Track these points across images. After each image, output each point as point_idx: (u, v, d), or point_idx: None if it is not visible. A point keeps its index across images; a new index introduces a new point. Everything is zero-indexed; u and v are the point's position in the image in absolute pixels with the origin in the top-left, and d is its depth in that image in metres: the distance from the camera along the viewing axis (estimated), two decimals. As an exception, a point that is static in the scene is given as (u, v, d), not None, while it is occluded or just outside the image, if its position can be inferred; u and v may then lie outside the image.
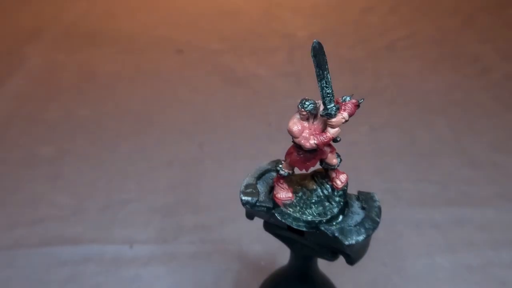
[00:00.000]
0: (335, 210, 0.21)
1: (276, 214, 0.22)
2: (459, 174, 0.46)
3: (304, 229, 0.21)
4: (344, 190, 0.22)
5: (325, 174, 0.23)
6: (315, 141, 0.20)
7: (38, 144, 0.50)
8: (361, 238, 0.20)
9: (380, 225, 0.21)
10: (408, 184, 0.45)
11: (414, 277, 0.37)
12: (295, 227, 0.21)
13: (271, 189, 0.23)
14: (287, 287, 0.25)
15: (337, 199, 0.22)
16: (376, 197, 0.22)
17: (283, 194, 0.22)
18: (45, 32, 0.71)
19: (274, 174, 0.23)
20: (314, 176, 0.23)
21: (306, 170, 0.21)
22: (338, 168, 0.22)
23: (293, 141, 0.20)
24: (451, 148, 0.49)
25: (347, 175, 0.22)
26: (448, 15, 0.72)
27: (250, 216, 0.23)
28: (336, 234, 0.20)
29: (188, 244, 0.40)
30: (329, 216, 0.21)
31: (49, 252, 0.39)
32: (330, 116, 0.20)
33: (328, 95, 0.20)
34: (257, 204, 0.22)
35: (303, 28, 0.71)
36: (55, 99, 0.58)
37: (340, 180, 0.22)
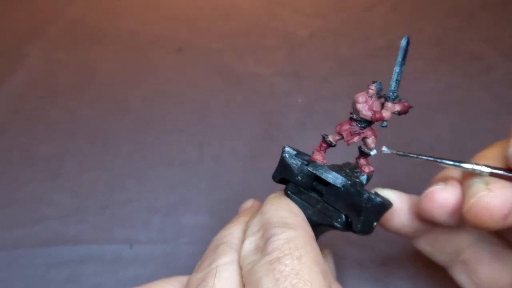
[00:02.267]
0: (362, 179, 0.25)
1: (309, 167, 0.24)
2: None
3: (334, 182, 0.24)
4: (368, 177, 0.26)
5: (355, 165, 0.26)
6: (371, 113, 0.24)
7: (37, 143, 0.50)
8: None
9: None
10: (407, 184, 0.45)
11: (414, 277, 0.37)
12: (328, 180, 0.24)
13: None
14: None
15: (359, 180, 0.26)
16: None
17: (320, 157, 0.25)
18: (45, 30, 0.71)
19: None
20: (343, 167, 0.26)
21: (349, 143, 0.25)
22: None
23: (351, 113, 0.24)
24: (451, 147, 0.49)
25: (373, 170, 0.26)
26: (448, 14, 0.72)
27: (280, 173, 0.26)
28: (365, 182, 0.25)
29: (188, 244, 0.40)
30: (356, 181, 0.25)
31: (49, 252, 0.39)
32: (389, 98, 0.24)
33: (398, 81, 0.24)
34: (296, 155, 0.25)
35: (303, 27, 0.71)
36: (55, 98, 0.58)
37: (369, 167, 0.26)
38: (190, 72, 0.62)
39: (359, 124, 0.24)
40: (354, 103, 0.24)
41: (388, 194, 0.26)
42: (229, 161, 0.48)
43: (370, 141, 0.25)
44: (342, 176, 0.24)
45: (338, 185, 0.24)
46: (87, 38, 0.69)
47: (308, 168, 0.25)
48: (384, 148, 0.25)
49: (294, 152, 0.25)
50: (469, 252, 0.27)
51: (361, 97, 0.24)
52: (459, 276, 0.28)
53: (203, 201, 0.43)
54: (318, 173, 0.24)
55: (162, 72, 0.62)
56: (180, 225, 0.41)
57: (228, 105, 0.56)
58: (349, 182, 0.24)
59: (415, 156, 0.25)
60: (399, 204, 0.26)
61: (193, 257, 0.39)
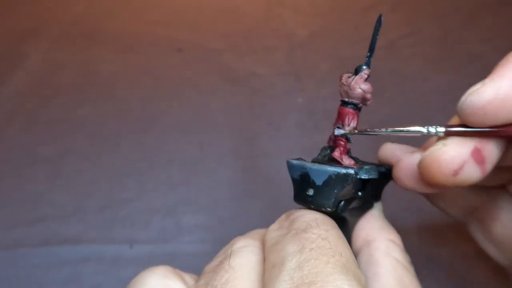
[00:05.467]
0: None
1: (362, 175, 0.23)
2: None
3: (376, 176, 0.24)
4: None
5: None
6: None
7: (37, 144, 0.50)
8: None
9: None
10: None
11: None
12: (376, 176, 0.24)
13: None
14: None
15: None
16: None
17: (353, 160, 0.24)
18: (44, 30, 0.71)
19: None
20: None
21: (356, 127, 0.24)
22: None
23: (353, 103, 0.24)
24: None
25: None
26: (448, 14, 0.72)
27: (340, 195, 0.22)
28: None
29: (188, 244, 0.40)
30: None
31: (49, 252, 0.39)
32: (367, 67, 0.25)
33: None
34: (357, 171, 0.22)
35: (303, 27, 0.71)
36: (55, 98, 0.57)
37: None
38: (190, 72, 0.62)
39: (354, 108, 0.24)
40: (362, 91, 0.23)
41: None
42: (229, 161, 0.48)
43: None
44: (372, 165, 0.24)
45: (377, 176, 0.24)
46: (87, 38, 0.69)
47: (362, 177, 0.23)
48: (337, 130, 0.24)
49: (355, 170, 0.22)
50: (483, 209, 0.27)
51: (364, 84, 0.24)
52: (475, 233, 0.28)
53: (203, 201, 0.43)
54: (371, 176, 0.23)
55: (162, 72, 0.62)
56: (180, 225, 0.41)
57: (228, 105, 0.56)
58: (370, 167, 0.24)
59: (372, 132, 0.24)
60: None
61: (193, 257, 0.39)
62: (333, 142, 0.24)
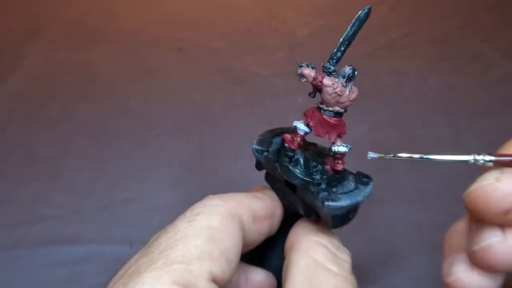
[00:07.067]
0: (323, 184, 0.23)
1: (277, 166, 0.24)
2: (460, 173, 0.45)
3: (296, 182, 0.23)
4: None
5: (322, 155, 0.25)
6: None
7: (37, 143, 0.50)
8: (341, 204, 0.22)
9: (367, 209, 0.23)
10: (408, 183, 0.45)
11: (414, 277, 0.37)
12: (289, 180, 0.23)
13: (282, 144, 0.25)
14: (273, 247, 0.26)
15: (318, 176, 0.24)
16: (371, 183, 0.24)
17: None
18: (45, 30, 0.71)
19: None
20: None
21: (322, 135, 0.24)
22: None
23: (319, 104, 0.23)
24: (451, 147, 0.49)
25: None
26: (448, 14, 0.72)
27: (258, 166, 0.26)
28: (320, 195, 0.22)
29: (188, 244, 0.40)
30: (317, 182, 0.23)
31: (49, 252, 0.39)
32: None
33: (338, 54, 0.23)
34: (265, 154, 0.25)
35: (303, 26, 0.71)
36: (55, 98, 0.57)
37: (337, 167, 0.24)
38: (190, 72, 0.62)
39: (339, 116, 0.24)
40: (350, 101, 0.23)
41: None
42: (229, 161, 0.48)
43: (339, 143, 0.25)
44: (309, 172, 0.24)
45: (299, 185, 0.23)
46: (87, 38, 0.69)
47: (277, 168, 0.24)
48: (371, 153, 0.23)
49: (263, 149, 0.25)
50: None
51: (330, 81, 0.23)
52: None
53: (203, 201, 0.43)
54: (284, 176, 0.24)
55: (162, 72, 0.62)
56: (180, 225, 0.41)
57: (228, 105, 0.56)
58: (306, 181, 0.23)
59: (405, 157, 0.22)
60: None
61: (193, 257, 0.39)
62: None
